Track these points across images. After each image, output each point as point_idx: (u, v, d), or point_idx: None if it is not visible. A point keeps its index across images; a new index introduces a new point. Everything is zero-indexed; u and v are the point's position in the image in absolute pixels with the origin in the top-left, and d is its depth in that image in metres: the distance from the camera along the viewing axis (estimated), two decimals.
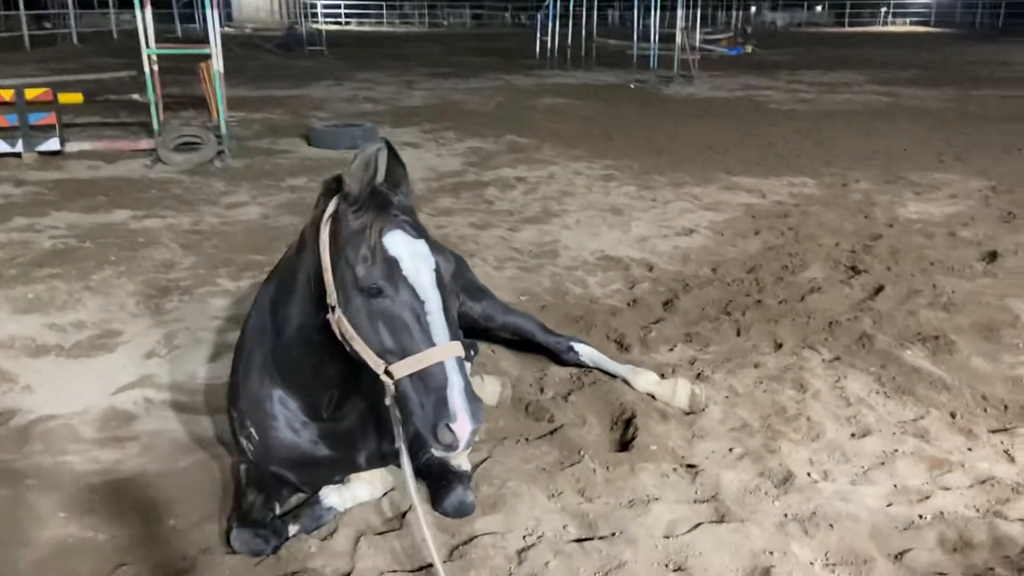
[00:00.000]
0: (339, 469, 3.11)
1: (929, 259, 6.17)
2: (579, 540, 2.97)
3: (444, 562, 2.72)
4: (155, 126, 9.90)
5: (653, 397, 3.97)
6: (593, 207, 7.81)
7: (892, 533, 3.02)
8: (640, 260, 6.21)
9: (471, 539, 2.96)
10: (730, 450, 3.56)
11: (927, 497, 3.21)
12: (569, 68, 22.29)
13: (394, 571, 2.81)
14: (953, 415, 3.86)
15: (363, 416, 3.04)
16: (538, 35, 22.91)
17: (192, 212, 7.54)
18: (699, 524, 3.03)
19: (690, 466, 3.44)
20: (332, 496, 3.08)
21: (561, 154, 10.40)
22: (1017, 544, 2.92)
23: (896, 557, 2.89)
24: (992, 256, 6.21)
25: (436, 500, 3.07)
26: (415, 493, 2.62)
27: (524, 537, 2.99)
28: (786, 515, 3.12)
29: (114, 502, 3.18)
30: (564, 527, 3.05)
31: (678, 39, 19.63)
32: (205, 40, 10.28)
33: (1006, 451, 3.54)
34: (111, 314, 5.07)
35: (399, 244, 2.38)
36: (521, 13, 53.12)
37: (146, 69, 9.60)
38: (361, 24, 51.34)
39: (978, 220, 7.34)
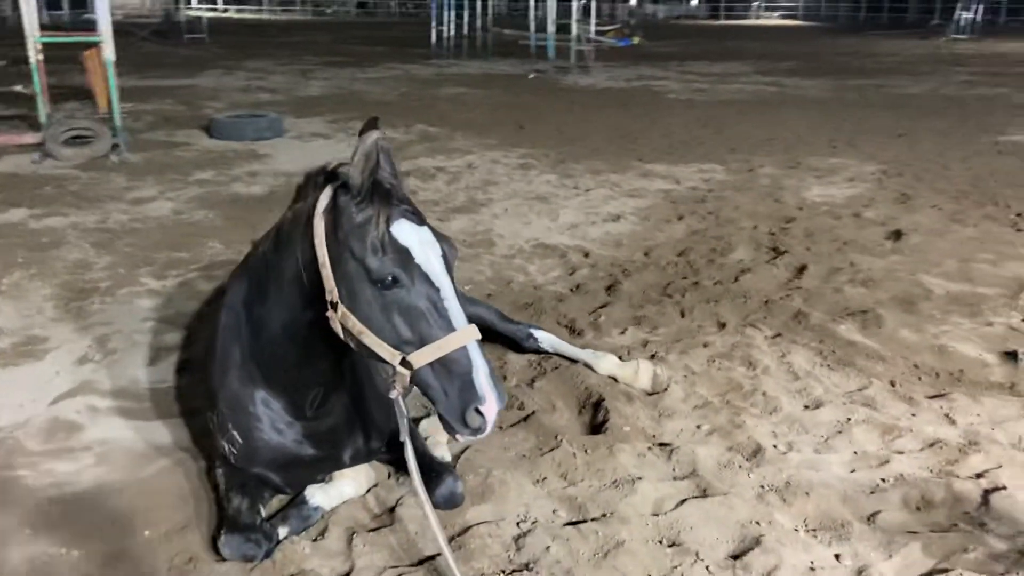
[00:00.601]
0: (324, 468, 3.04)
1: (842, 239, 6.53)
2: (572, 523, 3.00)
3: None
4: (42, 119, 9.26)
5: (615, 380, 4.05)
6: (518, 195, 7.84)
7: (861, 497, 3.19)
8: (575, 247, 6.29)
9: (465, 529, 2.95)
10: (698, 427, 3.67)
11: (886, 462, 3.41)
12: (465, 58, 22.24)
13: (395, 567, 2.77)
14: (893, 384, 4.11)
15: (347, 412, 2.96)
16: (433, 24, 22.73)
17: (96, 209, 7.10)
18: (684, 500, 3.12)
19: (663, 444, 3.53)
20: (318, 495, 3.00)
21: (475, 143, 10.38)
22: (973, 501, 3.15)
23: (869, 519, 3.06)
24: (897, 235, 6.62)
25: (426, 492, 3.02)
26: (420, 486, 2.59)
27: (518, 524, 3.00)
28: (763, 486, 3.24)
29: (79, 516, 2.98)
30: (554, 511, 3.08)
31: (574, 30, 19.90)
32: (78, 27, 9.67)
33: (947, 415, 3.80)
34: (31, 319, 4.74)
35: (408, 233, 2.33)
36: (409, 2, 52.46)
37: (31, 58, 8.95)
38: (240, 11, 49.47)
39: (877, 201, 7.79)
